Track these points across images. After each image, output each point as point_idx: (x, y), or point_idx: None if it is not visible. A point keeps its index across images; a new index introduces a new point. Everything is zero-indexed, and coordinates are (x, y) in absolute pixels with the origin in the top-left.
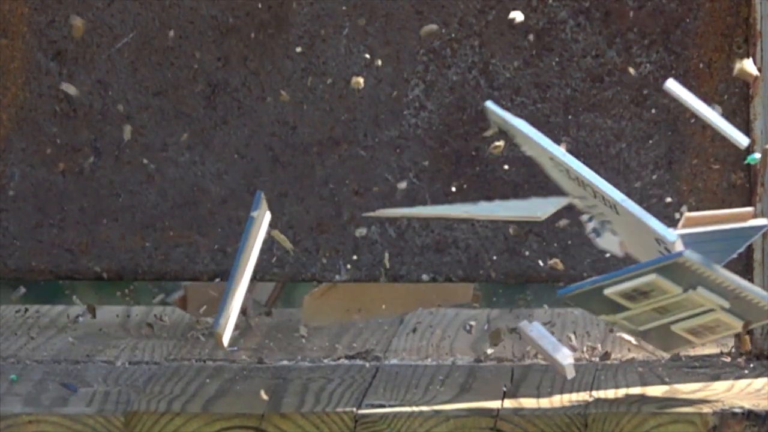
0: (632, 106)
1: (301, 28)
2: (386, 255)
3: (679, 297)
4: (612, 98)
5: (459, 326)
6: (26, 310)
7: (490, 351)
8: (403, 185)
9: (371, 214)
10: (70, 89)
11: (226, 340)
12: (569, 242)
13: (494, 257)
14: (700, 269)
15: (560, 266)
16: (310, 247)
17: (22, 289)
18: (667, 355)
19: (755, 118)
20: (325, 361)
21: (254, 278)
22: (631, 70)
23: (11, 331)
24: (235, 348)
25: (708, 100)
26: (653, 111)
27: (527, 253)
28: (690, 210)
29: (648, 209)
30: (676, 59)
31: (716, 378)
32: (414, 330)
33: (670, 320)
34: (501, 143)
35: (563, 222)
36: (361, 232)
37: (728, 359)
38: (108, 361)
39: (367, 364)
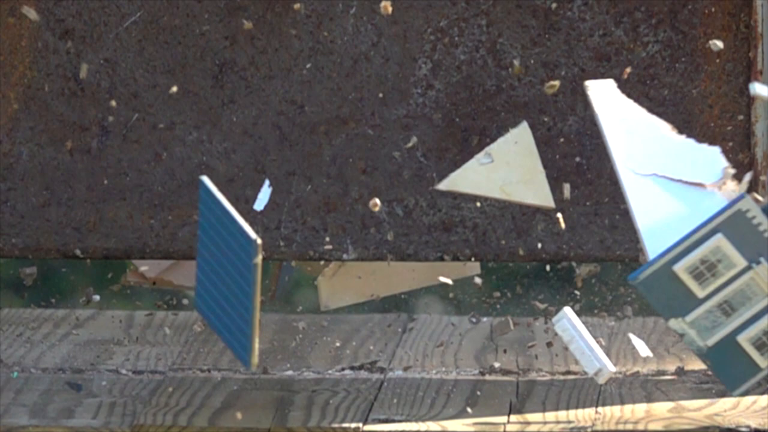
0: (639, 85)
1: (308, 6)
2: (393, 234)
3: (744, 279)
4: (619, 77)
5: (463, 335)
6: (31, 312)
7: (496, 364)
8: (411, 159)
9: (441, 187)
10: (83, 71)
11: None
12: (576, 221)
13: (501, 236)
14: (760, 221)
15: (562, 223)
16: (317, 225)
17: (35, 270)
18: (733, 395)
19: (756, 120)
20: (330, 371)
21: (262, 258)
22: (639, 49)
23: (15, 335)
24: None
25: (715, 78)
26: (660, 90)
27: (534, 232)
28: None
29: None
30: (683, 38)
31: (721, 394)
32: (418, 339)
33: (735, 325)
34: (557, 83)
35: (566, 191)
36: (369, 210)
37: None
38: (112, 370)
39: (373, 377)
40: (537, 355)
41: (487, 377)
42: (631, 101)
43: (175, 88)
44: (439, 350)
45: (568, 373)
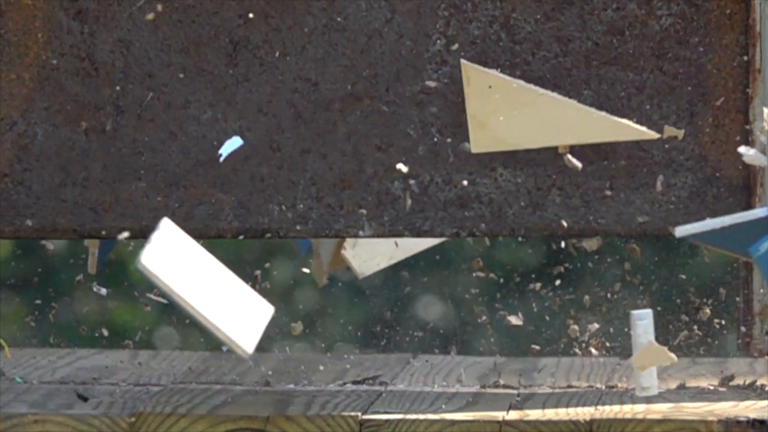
0: (653, 59)
1: None
2: (409, 210)
3: None
4: (633, 51)
5: (466, 367)
6: (34, 351)
7: (496, 380)
8: (425, 142)
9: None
10: None
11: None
12: (592, 196)
13: (517, 212)
14: None
15: (575, 163)
16: (333, 203)
17: (51, 246)
18: None
19: (754, 119)
20: (332, 386)
21: (277, 236)
22: (653, 23)
23: (18, 362)
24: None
25: (729, 51)
26: (675, 63)
27: (550, 207)
28: (711, 162)
29: (670, 160)
30: (697, 11)
31: (721, 400)
32: (420, 367)
33: None
34: None
35: (572, 161)
36: (384, 187)
37: (727, 388)
38: (114, 383)
39: (374, 388)
40: (541, 368)
41: (488, 390)
42: None
43: (151, 16)
44: (442, 374)
45: (569, 387)
